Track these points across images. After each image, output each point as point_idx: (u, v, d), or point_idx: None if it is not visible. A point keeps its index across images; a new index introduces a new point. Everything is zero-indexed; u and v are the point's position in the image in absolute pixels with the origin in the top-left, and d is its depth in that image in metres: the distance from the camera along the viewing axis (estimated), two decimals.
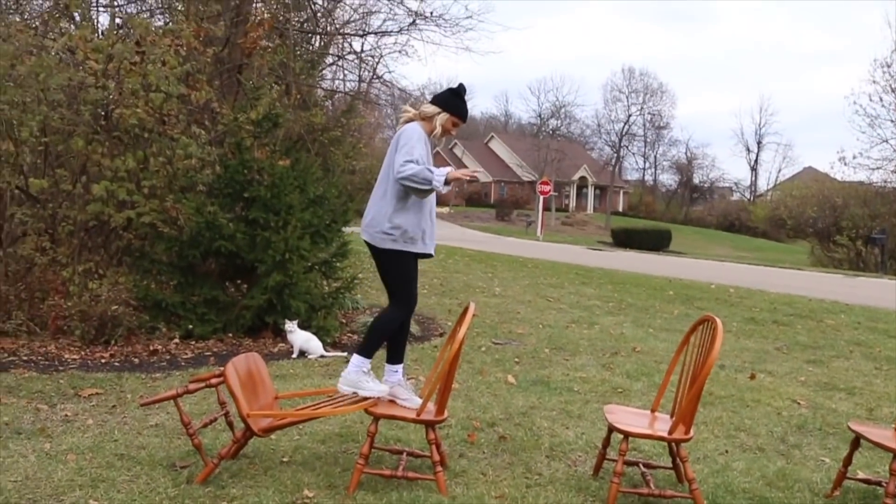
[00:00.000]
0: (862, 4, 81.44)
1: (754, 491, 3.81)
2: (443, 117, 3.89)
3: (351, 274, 8.33)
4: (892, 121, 30.80)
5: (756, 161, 71.77)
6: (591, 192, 65.67)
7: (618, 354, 7.29)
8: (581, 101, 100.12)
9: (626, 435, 3.54)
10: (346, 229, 8.64)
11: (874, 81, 30.90)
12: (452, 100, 3.93)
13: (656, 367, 6.73)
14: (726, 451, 4.47)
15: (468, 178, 3.80)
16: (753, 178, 72.61)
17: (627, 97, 62.49)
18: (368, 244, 3.88)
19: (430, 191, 3.71)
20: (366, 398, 3.73)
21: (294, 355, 6.61)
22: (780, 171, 71.75)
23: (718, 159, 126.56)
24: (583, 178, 63.65)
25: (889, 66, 31.28)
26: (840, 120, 78.75)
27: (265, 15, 8.15)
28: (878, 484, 3.78)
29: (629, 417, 3.81)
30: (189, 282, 7.12)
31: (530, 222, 45.17)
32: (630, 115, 62.20)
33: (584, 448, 4.43)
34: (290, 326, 6.65)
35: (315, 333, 6.87)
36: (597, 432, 4.70)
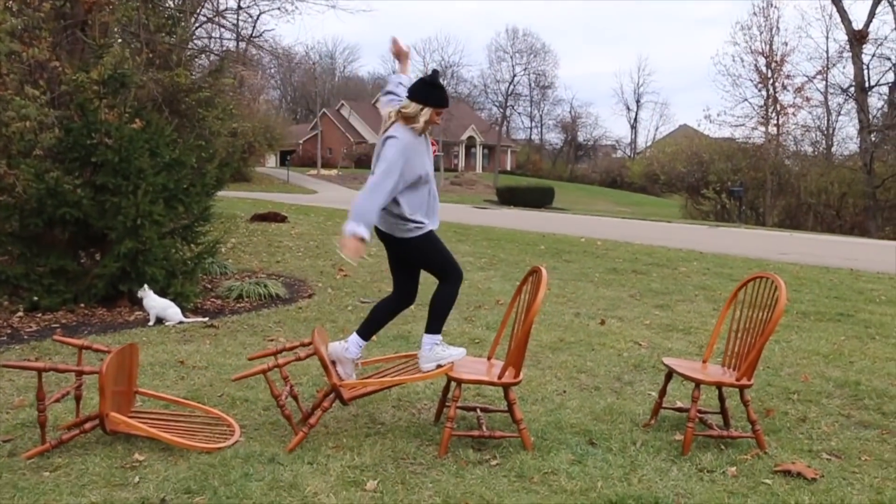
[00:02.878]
0: None
1: (581, 425, 4.09)
2: (426, 113, 3.72)
3: (213, 238, 8.14)
4: (751, 80, 32.79)
5: (635, 119, 74.86)
6: (479, 151, 66.47)
7: (481, 308, 7.54)
8: (467, 61, 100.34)
9: (459, 382, 3.71)
10: (221, 193, 8.34)
11: (735, 43, 32.69)
12: (431, 92, 3.74)
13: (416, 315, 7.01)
14: (564, 392, 4.76)
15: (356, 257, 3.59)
16: (633, 136, 75.78)
17: (512, 57, 63.37)
18: (385, 234, 3.84)
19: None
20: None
21: (151, 322, 6.45)
22: (657, 129, 75.23)
23: (601, 118, 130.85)
24: (471, 139, 64.30)
25: (749, 29, 33.26)
26: (712, 83, 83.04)
27: None
28: (688, 411, 4.15)
29: (467, 365, 3.97)
30: (34, 252, 6.76)
31: None
32: (515, 76, 63.14)
33: (430, 397, 4.60)
34: (144, 293, 6.47)
35: (174, 300, 6.72)
36: (443, 382, 4.88)
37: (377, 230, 3.86)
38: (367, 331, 4.05)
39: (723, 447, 3.82)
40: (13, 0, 6.89)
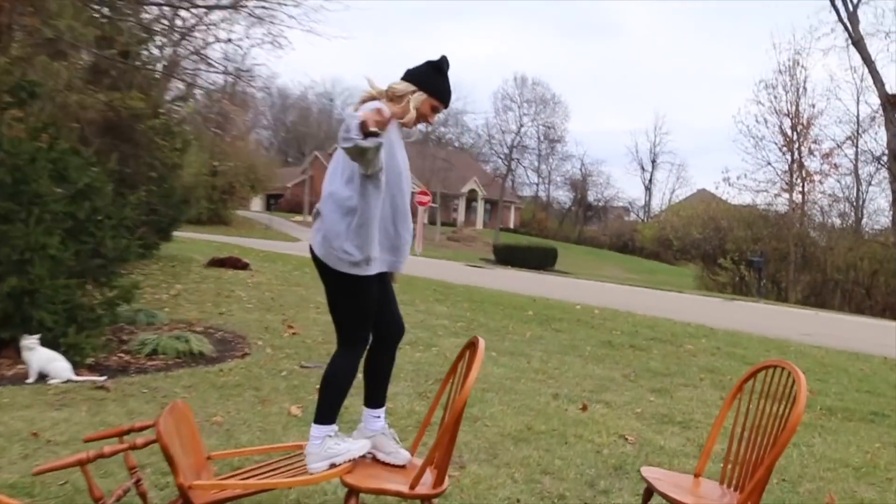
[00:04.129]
0: (764, 33, 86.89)
1: None
2: (418, 97, 3.11)
3: (130, 282, 7.39)
4: (774, 143, 32.53)
5: (650, 181, 74.86)
6: (480, 206, 66.17)
7: (437, 381, 6.74)
8: (472, 108, 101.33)
9: (355, 490, 2.92)
10: (186, 234, 7.66)
11: (759, 103, 32.54)
12: (431, 75, 3.15)
13: (479, 396, 6.23)
14: (517, 501, 3.95)
15: (379, 125, 2.76)
16: (647, 198, 75.63)
17: (520, 107, 63.64)
18: (317, 260, 3.12)
19: (365, 155, 2.79)
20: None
21: (31, 379, 5.67)
22: (673, 191, 75.04)
23: (613, 177, 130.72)
24: (472, 192, 64.09)
25: (774, 88, 33.15)
26: (732, 143, 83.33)
27: None
28: None
29: (375, 469, 3.17)
30: None
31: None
32: (522, 126, 63.33)
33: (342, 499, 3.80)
34: (30, 342, 5.70)
35: (65, 353, 5.94)
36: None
37: (313, 256, 3.14)
38: (373, 396, 3.33)
39: None
40: None
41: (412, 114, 3.14)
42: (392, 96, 3.14)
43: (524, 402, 6.16)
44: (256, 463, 3.42)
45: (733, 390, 3.49)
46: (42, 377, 5.70)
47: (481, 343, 3.05)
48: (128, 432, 3.07)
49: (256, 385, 6.06)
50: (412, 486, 2.90)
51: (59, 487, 3.57)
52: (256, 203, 58.60)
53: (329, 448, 3.06)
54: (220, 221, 43.10)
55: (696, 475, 3.41)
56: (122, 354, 6.75)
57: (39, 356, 5.69)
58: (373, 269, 3.11)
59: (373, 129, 2.71)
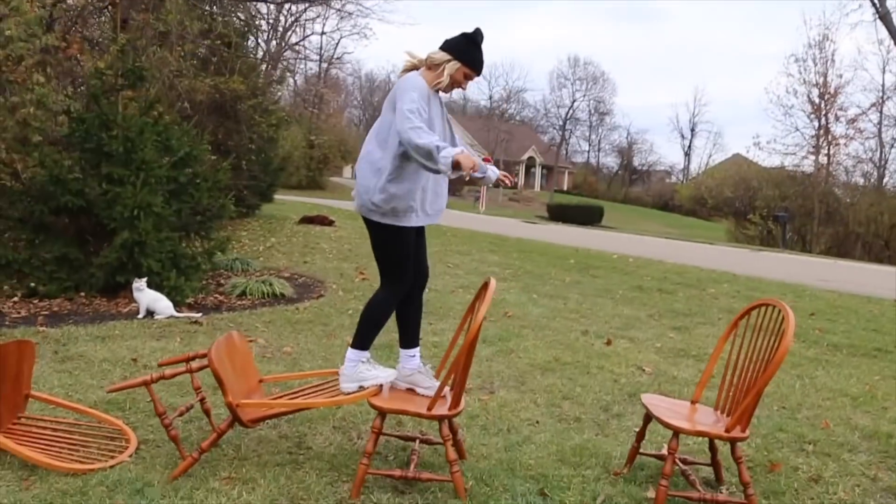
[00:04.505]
0: (795, 10, 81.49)
1: (539, 468, 3.15)
2: (452, 66, 3.00)
3: (224, 235, 7.47)
4: (803, 111, 30.67)
5: (689, 147, 71.79)
6: (538, 171, 65.01)
7: (486, 319, 6.58)
8: (530, 86, 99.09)
9: (381, 411, 2.83)
10: (285, 197, 7.73)
11: (789, 74, 30.63)
12: (466, 46, 3.02)
13: (517, 332, 6.08)
14: (536, 422, 3.81)
15: (471, 171, 2.72)
16: (687, 163, 72.75)
17: (573, 84, 61.92)
18: (361, 215, 3.08)
19: (435, 170, 2.78)
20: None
21: (140, 315, 5.81)
22: (710, 156, 72.02)
23: (656, 145, 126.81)
24: (531, 159, 62.95)
25: (804, 61, 31.09)
26: (764, 111, 79.12)
27: None
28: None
29: (402, 395, 3.06)
30: (41, 239, 6.25)
31: (477, 197, 44.43)
32: (574, 101, 61.69)
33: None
34: (139, 285, 5.83)
35: (168, 294, 6.07)
36: None
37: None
38: (407, 338, 3.23)
39: None
40: None
41: (445, 79, 3.01)
42: (430, 65, 3.03)
43: (556, 338, 5.98)
44: (306, 384, 3.38)
45: (730, 325, 3.24)
46: (150, 313, 5.84)
47: (492, 282, 2.89)
48: (193, 358, 3.05)
49: (325, 321, 6.06)
50: (429, 408, 2.79)
51: (147, 404, 3.61)
52: (347, 171, 59.13)
53: (360, 372, 2.97)
54: (316, 186, 43.66)
55: (693, 402, 3.20)
56: (217, 295, 6.87)
57: (146, 296, 5.82)
58: (407, 222, 3.01)
59: (460, 171, 2.69)
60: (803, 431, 3.86)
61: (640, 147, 72.33)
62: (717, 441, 3.04)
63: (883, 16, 26.54)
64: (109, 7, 7.50)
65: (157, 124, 6.60)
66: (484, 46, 3.10)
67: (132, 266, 6.08)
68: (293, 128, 43.39)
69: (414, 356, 3.21)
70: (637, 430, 3.27)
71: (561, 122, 62.25)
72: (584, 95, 62.18)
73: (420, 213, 3.07)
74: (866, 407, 4.41)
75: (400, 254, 3.05)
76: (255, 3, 14.07)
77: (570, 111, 61.72)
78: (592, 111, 65.27)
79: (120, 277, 6.15)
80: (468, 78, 3.07)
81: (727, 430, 2.75)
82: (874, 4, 26.91)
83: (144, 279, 5.83)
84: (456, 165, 2.69)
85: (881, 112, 29.30)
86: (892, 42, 27.22)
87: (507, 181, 3.34)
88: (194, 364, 2.92)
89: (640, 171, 73.49)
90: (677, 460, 3.13)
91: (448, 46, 3.03)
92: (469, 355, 2.79)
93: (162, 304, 5.86)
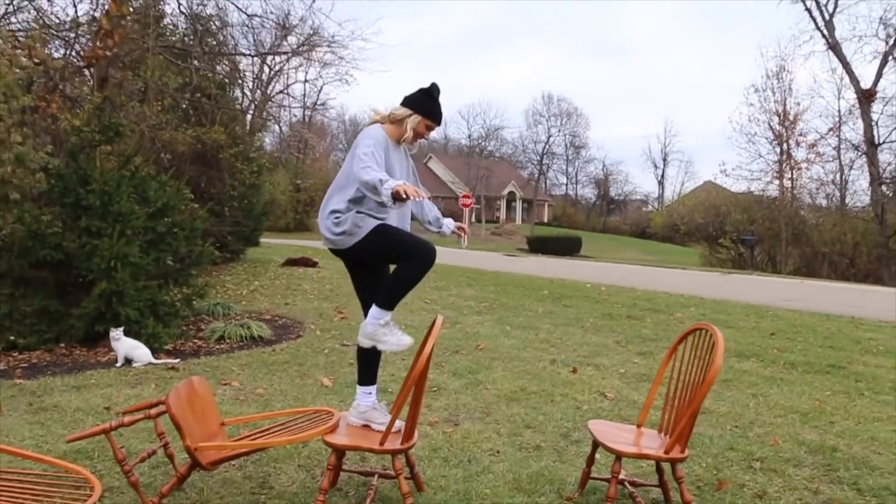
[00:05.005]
0: (752, 43, 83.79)
1: (495, 496, 3.19)
2: (414, 120, 3.16)
3: (203, 282, 7.50)
4: (765, 138, 31.35)
5: (663, 176, 73.05)
6: (519, 205, 65.57)
7: (458, 352, 6.66)
8: (507, 124, 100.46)
9: (333, 448, 2.87)
10: (270, 241, 7.77)
11: (750, 104, 31.38)
12: (424, 101, 3.19)
13: (486, 364, 6.12)
14: (497, 452, 3.85)
15: (413, 197, 2.81)
16: (661, 191, 73.75)
17: (547, 120, 62.94)
18: (336, 252, 3.18)
19: (380, 202, 2.88)
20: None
21: (119, 363, 5.80)
22: (683, 184, 73.00)
23: (631, 175, 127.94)
24: (511, 193, 63.52)
25: (763, 91, 31.91)
26: (728, 140, 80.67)
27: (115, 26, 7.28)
28: (622, 483, 3.21)
29: (357, 432, 3.10)
30: (21, 292, 6.25)
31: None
32: (550, 136, 62.65)
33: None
34: (116, 334, 5.84)
35: (146, 341, 6.07)
36: None
37: (333, 252, 3.18)
38: (364, 375, 3.29)
39: None
40: (23, 51, 6.53)
41: (409, 133, 3.19)
42: (393, 120, 3.19)
43: (524, 368, 6.03)
44: (274, 423, 3.39)
45: (669, 351, 3.33)
46: (128, 361, 5.83)
47: (439, 320, 2.96)
48: (156, 404, 3.09)
49: (300, 362, 6.07)
50: (381, 443, 2.83)
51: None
52: None
53: (378, 333, 3.05)
54: (304, 228, 43.70)
55: (639, 425, 3.26)
56: (196, 340, 6.87)
57: (124, 345, 5.82)
58: (377, 221, 3.08)
59: (400, 199, 2.80)
60: (753, 449, 3.92)
61: (616, 178, 73.31)
62: (663, 463, 3.10)
63: (833, 46, 27.40)
64: (89, 67, 7.62)
65: (134, 177, 6.67)
66: (441, 98, 3.27)
67: (111, 315, 6.09)
68: (279, 172, 43.72)
69: (370, 393, 3.26)
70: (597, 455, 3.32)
71: (538, 157, 63.07)
72: (560, 130, 63.24)
73: (382, 212, 3.11)
74: (815, 422, 4.49)
75: (396, 239, 3.09)
76: (234, 56, 14.30)
77: (546, 146, 62.59)
78: (568, 145, 66.29)
79: (99, 327, 6.15)
80: (429, 129, 3.24)
81: (666, 452, 2.81)
82: (824, 36, 27.82)
83: (121, 328, 5.84)
84: (397, 195, 2.78)
85: (839, 136, 29.99)
86: (844, 70, 28.06)
87: (461, 234, 3.51)
88: (153, 411, 2.94)
89: (617, 201, 74.28)
90: (626, 483, 3.19)
91: (409, 102, 3.20)
92: (418, 389, 2.85)
93: (139, 351, 5.86)
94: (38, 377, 5.25)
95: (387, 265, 3.31)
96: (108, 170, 6.50)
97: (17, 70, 6.48)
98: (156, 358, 5.94)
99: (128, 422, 2.91)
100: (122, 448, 2.92)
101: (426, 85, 3.25)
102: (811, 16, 28.05)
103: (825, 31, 27.76)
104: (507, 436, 4.15)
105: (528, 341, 7.38)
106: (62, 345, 6.22)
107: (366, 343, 3.08)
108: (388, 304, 3.08)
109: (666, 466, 3.16)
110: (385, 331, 3.07)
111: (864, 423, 4.49)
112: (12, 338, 5.96)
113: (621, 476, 3.34)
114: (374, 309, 3.08)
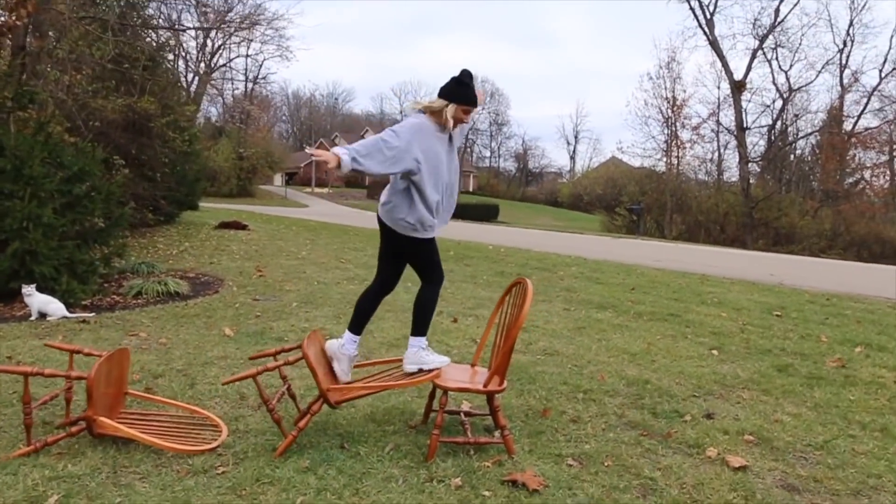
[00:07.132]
0: (649, 36, 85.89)
1: (348, 426, 3.33)
2: (451, 109, 3.15)
3: (121, 242, 7.26)
4: (656, 120, 32.44)
5: (574, 151, 74.66)
6: None
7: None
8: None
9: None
10: (209, 205, 7.49)
11: (644, 90, 32.26)
12: (457, 89, 3.15)
13: (380, 315, 6.23)
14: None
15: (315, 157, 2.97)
16: (572, 165, 75.48)
17: None
18: (385, 227, 3.24)
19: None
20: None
21: (33, 317, 5.61)
22: (591, 159, 75.04)
23: (547, 150, 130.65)
24: None
25: (657, 79, 32.89)
26: (625, 122, 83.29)
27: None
28: (457, 413, 3.43)
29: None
30: None
31: None
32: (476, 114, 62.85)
33: (234, 393, 3.81)
34: (28, 290, 5.62)
35: (61, 297, 5.87)
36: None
37: (380, 221, 3.26)
38: (357, 325, 3.42)
39: (472, 453, 3.07)
40: None
41: (450, 122, 3.19)
42: (432, 111, 3.20)
43: (409, 317, 6.17)
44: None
45: (498, 301, 3.53)
46: (43, 316, 5.65)
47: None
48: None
49: (209, 315, 6.02)
50: (485, 385, 3.04)
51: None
52: (277, 179, 57.76)
53: (421, 357, 3.24)
54: (247, 194, 42.48)
55: (472, 364, 3.46)
56: (115, 297, 6.69)
57: (37, 300, 5.62)
58: (430, 234, 3.23)
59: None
60: (581, 383, 4.21)
61: (534, 153, 74.56)
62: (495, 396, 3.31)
63: (713, 42, 28.43)
64: (3, 35, 7.10)
65: (47, 144, 6.34)
66: (472, 83, 3.25)
67: (25, 273, 5.85)
68: (223, 142, 42.05)
69: (355, 342, 3.38)
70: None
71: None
72: (483, 108, 63.23)
73: (438, 224, 3.28)
74: (639, 360, 4.84)
75: (433, 257, 3.29)
76: (164, 31, 13.56)
77: (473, 123, 62.74)
78: (492, 122, 66.62)
79: (14, 284, 5.89)
80: (467, 112, 3.24)
81: (484, 386, 3.01)
82: (706, 33, 28.81)
83: (33, 285, 5.62)
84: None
85: (718, 121, 31.37)
86: (721, 63, 29.25)
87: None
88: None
89: (534, 173, 75.52)
90: (462, 413, 3.40)
91: (443, 93, 3.17)
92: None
93: (53, 306, 5.67)
94: None
95: (406, 265, 3.42)
96: (22, 136, 6.15)
97: None
98: (70, 312, 5.77)
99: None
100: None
101: (456, 74, 3.24)
102: (694, 14, 29.08)
103: (706, 29, 28.80)
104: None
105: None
106: None
107: (412, 368, 3.24)
108: (422, 331, 3.30)
109: (499, 398, 3.37)
110: (424, 353, 3.26)
111: (678, 360, 4.87)
112: None
113: (464, 408, 3.58)
114: (411, 340, 3.29)
